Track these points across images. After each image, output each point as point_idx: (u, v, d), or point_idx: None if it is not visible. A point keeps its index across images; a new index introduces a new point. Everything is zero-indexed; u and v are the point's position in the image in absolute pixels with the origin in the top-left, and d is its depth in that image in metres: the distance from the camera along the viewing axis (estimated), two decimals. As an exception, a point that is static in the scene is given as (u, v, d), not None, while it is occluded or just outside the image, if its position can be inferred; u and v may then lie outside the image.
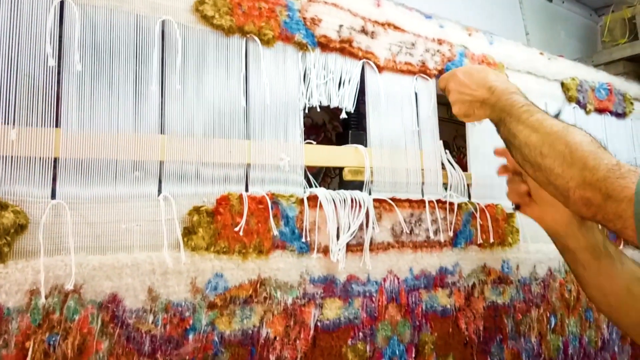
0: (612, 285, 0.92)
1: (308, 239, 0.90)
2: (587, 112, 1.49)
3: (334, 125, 1.30)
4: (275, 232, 0.86)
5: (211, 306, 0.80)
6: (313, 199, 0.92)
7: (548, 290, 1.27)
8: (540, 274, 1.26)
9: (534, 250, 1.26)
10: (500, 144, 0.95)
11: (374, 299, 0.98)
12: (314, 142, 0.96)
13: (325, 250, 0.93)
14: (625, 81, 1.67)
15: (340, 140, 1.11)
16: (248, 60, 0.91)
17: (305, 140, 0.96)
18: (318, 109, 0.99)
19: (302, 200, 0.91)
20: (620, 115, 1.59)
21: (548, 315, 1.26)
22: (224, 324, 0.81)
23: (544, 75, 1.39)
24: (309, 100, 0.97)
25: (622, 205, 0.68)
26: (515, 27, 2.06)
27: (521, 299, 1.21)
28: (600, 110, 1.53)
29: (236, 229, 0.82)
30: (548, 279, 1.28)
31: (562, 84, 1.44)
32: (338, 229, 0.94)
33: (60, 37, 0.74)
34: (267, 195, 0.87)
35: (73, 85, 0.74)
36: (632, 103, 1.63)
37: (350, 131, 1.12)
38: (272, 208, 0.87)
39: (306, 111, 0.97)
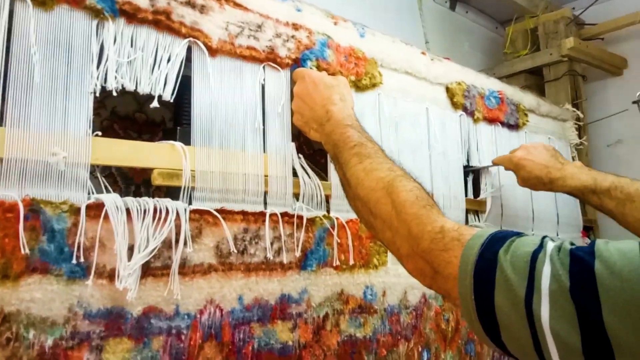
0: None
1: (83, 259, 0.69)
2: (475, 121, 1.35)
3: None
4: (26, 251, 0.64)
5: None
6: (97, 208, 0.71)
7: (421, 320, 1.10)
8: (412, 302, 1.09)
9: (406, 273, 1.09)
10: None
11: (183, 337, 0.77)
12: (100, 134, 0.74)
13: (112, 275, 0.71)
14: (520, 91, 1.55)
15: (167, 137, 0.91)
16: (13, 25, 0.69)
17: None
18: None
19: (78, 209, 0.69)
20: (513, 126, 1.47)
21: (420, 349, 1.08)
22: None
23: (425, 77, 1.24)
24: (105, 82, 0.76)
25: (449, 283, 0.58)
26: (414, 35, 1.94)
27: (387, 331, 1.03)
28: (490, 120, 1.39)
29: (-43, 245, 0.60)
30: (421, 307, 1.11)
31: (447, 89, 1.30)
32: (133, 247, 0.73)
33: None
34: (23, 201, 0.65)
35: None
36: (526, 114, 1.52)
37: (178, 128, 0.92)
38: (27, 218, 0.65)
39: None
